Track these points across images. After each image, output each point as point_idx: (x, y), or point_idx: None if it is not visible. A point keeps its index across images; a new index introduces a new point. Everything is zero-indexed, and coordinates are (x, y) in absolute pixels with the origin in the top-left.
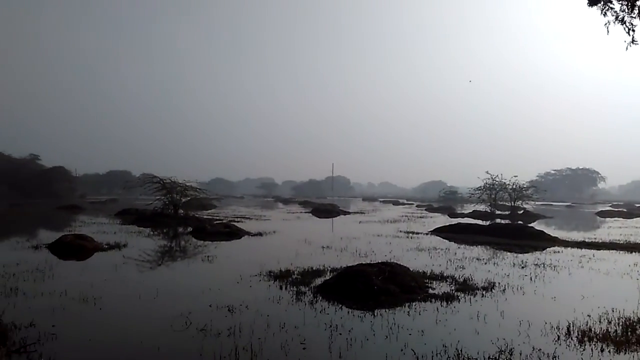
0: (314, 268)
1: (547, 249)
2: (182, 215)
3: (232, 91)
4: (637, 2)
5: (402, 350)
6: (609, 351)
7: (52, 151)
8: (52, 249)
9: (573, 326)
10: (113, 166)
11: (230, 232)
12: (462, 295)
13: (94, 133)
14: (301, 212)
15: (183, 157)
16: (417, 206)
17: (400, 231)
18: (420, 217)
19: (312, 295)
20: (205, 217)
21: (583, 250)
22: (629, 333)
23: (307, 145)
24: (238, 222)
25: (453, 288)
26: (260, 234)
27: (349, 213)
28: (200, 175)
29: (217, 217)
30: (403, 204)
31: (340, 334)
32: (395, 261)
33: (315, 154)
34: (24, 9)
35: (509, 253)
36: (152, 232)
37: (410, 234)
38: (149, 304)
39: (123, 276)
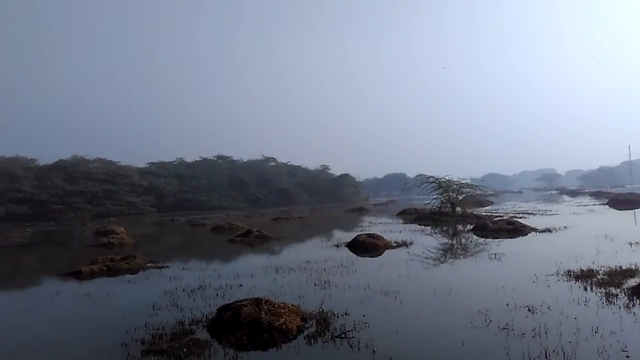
0: (623, 267)
1: None
2: (460, 213)
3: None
4: None
5: None
6: None
7: (338, 161)
8: (350, 247)
9: None
10: (389, 170)
11: (514, 228)
12: None
13: (368, 142)
14: (594, 205)
15: (452, 155)
16: None
17: None
18: None
19: (626, 298)
20: (483, 214)
21: None
22: None
23: (593, 128)
24: (520, 217)
25: None
26: (549, 230)
27: None
28: (473, 172)
29: (497, 214)
30: None
31: None
32: None
33: (606, 137)
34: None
35: None
36: (432, 230)
37: None
38: (445, 300)
39: (414, 272)
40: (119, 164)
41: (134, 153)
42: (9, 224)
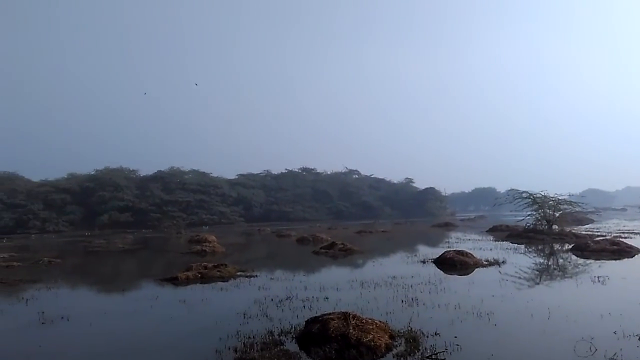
0: None
1: None
2: (557, 231)
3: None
4: None
5: None
6: None
7: (423, 174)
8: (438, 264)
9: None
10: (477, 184)
11: (618, 249)
12: None
13: (455, 155)
14: None
15: (547, 169)
16: None
17: None
18: None
19: None
20: (583, 232)
21: None
22: None
23: None
24: (625, 237)
25: None
26: None
27: None
28: (571, 187)
29: (598, 233)
30: None
31: None
32: None
33: None
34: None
35: None
36: (526, 249)
37: None
38: (544, 324)
39: (508, 293)
40: (211, 175)
41: (225, 165)
42: (112, 231)
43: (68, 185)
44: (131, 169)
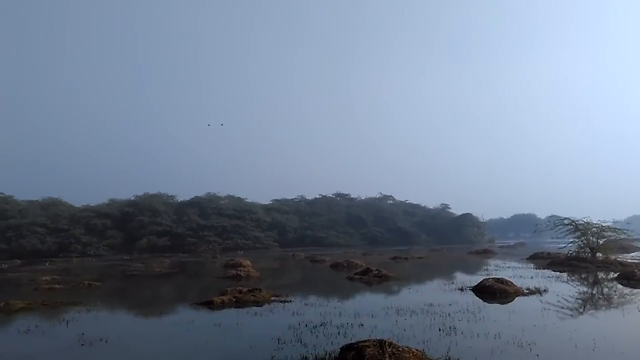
0: None
1: None
2: (602, 259)
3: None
4: None
5: None
6: None
7: (460, 200)
8: (476, 292)
9: None
10: (517, 210)
11: None
12: None
13: (493, 181)
14: None
15: (588, 195)
16: None
17: None
18: None
19: None
20: (629, 260)
21: None
22: None
23: None
24: None
25: None
26: None
27: None
28: (615, 213)
29: None
30: None
31: None
32: None
33: None
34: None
35: None
36: (569, 277)
37: None
38: (589, 356)
39: (550, 323)
40: (246, 200)
41: (259, 189)
42: (150, 255)
43: (109, 210)
44: (169, 194)
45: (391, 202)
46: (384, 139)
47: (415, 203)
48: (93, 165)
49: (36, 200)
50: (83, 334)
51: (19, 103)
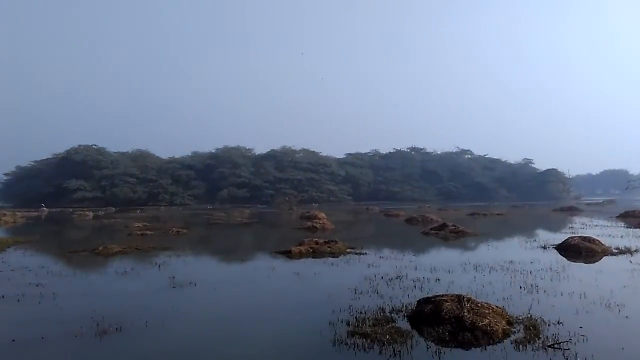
0: None
1: None
2: None
3: None
4: None
5: None
6: None
7: (544, 155)
8: (560, 250)
9: None
10: (606, 166)
11: None
12: None
13: (581, 134)
14: None
15: None
16: None
17: None
18: None
19: None
20: None
21: None
22: None
23: None
24: None
25: None
26: None
27: None
28: None
29: None
30: None
31: None
32: None
33: None
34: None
35: None
36: None
37: None
38: None
39: None
40: (320, 154)
41: (333, 143)
42: (231, 205)
43: (192, 162)
44: (247, 147)
45: (469, 156)
46: (467, 86)
47: (495, 158)
48: (177, 119)
49: (126, 152)
50: (174, 277)
51: (114, 62)
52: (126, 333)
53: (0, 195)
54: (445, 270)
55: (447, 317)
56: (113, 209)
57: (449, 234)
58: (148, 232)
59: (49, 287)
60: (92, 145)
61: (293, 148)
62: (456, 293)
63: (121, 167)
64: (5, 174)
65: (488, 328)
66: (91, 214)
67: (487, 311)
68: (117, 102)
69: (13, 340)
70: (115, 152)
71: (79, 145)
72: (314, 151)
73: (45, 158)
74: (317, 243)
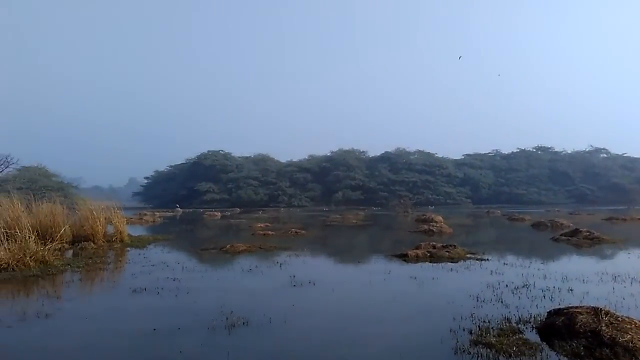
0: None
1: None
2: None
3: None
4: None
5: None
6: None
7: None
8: None
9: None
10: None
11: None
12: None
13: None
14: None
15: None
16: None
17: None
18: None
19: None
20: None
21: None
22: None
23: None
24: None
25: None
26: None
27: None
28: None
29: None
30: None
31: None
32: None
33: None
34: None
35: None
36: None
37: None
38: None
39: None
40: (436, 155)
41: (450, 144)
42: (345, 207)
43: (309, 165)
44: (361, 150)
45: (604, 155)
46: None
47: (635, 157)
48: (295, 125)
49: (249, 157)
50: (294, 276)
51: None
52: (252, 327)
53: (141, 197)
54: (579, 279)
55: (581, 330)
56: (238, 209)
57: (583, 241)
58: (269, 232)
59: (184, 281)
60: (219, 151)
61: (407, 149)
62: (592, 305)
63: (245, 170)
64: (146, 178)
65: (630, 345)
66: (219, 214)
67: (629, 326)
68: (240, 108)
69: (154, 329)
70: (239, 157)
71: (208, 151)
72: (429, 152)
73: (179, 163)
74: (434, 247)
